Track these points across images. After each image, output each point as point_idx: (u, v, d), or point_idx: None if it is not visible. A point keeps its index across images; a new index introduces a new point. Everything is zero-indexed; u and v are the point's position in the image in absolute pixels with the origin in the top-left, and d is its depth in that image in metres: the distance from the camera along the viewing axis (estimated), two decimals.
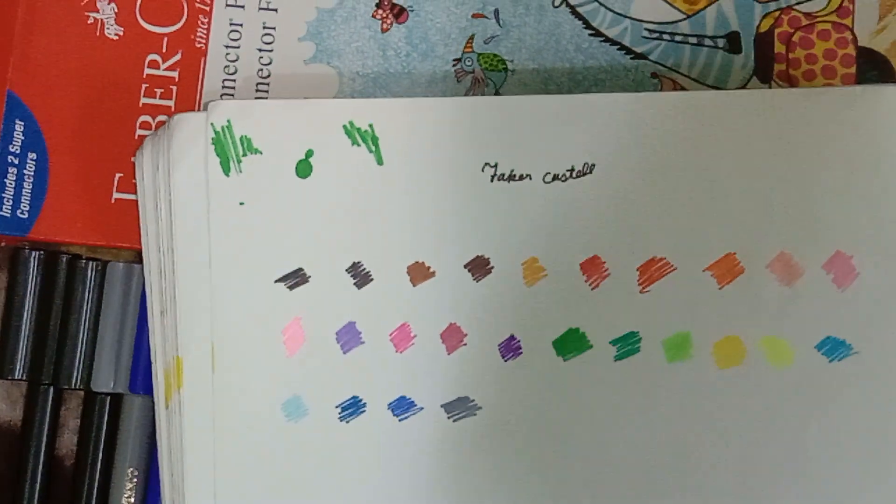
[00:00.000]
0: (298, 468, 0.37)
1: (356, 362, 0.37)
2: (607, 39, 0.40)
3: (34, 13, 0.40)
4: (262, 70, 0.41)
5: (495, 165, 0.37)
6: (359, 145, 0.38)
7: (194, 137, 0.37)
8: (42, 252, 0.39)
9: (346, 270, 0.37)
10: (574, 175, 0.37)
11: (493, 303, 0.37)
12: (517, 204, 0.37)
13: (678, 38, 0.40)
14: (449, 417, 0.37)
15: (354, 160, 0.37)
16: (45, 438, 0.39)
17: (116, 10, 0.40)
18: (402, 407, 0.37)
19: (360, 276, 0.37)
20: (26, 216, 0.39)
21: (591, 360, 0.36)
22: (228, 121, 0.38)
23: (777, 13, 0.40)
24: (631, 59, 0.40)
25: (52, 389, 0.39)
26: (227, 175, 0.37)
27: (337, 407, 0.37)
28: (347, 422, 0.37)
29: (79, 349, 0.39)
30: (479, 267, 0.37)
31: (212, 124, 0.38)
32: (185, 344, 0.37)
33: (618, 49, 0.40)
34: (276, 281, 0.37)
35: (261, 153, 0.38)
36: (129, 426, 0.39)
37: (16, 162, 0.39)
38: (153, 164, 0.37)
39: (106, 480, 0.39)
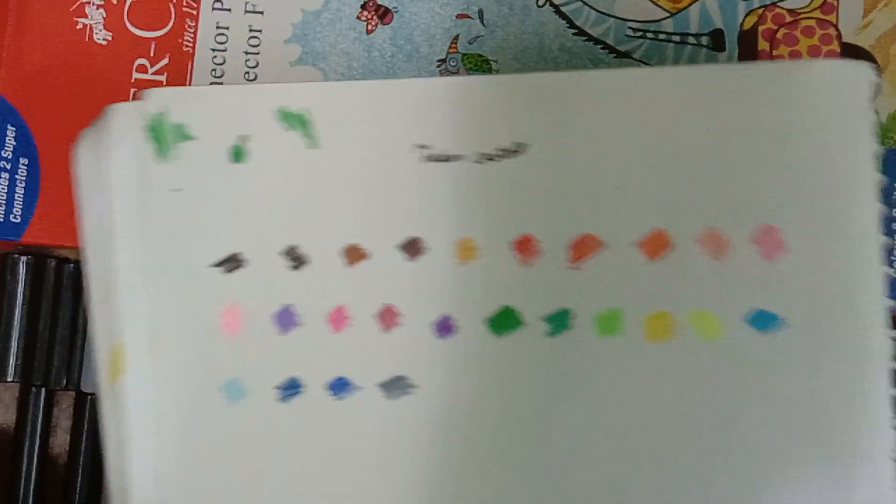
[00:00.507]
0: (239, 449, 0.37)
1: (294, 344, 0.37)
2: (591, 38, 0.40)
3: (24, 19, 0.40)
4: (248, 73, 0.41)
5: (427, 146, 0.37)
6: (292, 129, 0.38)
7: (129, 126, 0.38)
8: (31, 257, 0.39)
9: (282, 254, 0.38)
10: (505, 155, 0.37)
11: (427, 283, 0.37)
12: (449, 184, 0.37)
13: (662, 36, 0.40)
14: (386, 396, 0.37)
15: (288, 144, 0.38)
16: (38, 439, 0.39)
17: (105, 15, 0.40)
18: (339, 387, 0.37)
19: (295, 258, 0.38)
20: (18, 221, 0.39)
21: (524, 337, 0.37)
22: (162, 108, 0.38)
23: (761, 10, 0.40)
24: (615, 58, 0.40)
25: (43, 391, 0.39)
26: (162, 162, 0.38)
27: (275, 388, 0.37)
28: (286, 402, 0.37)
29: (68, 351, 0.39)
30: (412, 247, 0.37)
31: (146, 112, 0.38)
32: (125, 330, 0.37)
33: (601, 48, 0.40)
34: (212, 265, 0.38)
35: (196, 139, 0.38)
36: None
37: (7, 167, 0.39)
38: (90, 154, 0.38)
39: (98, 479, 0.39)
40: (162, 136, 0.38)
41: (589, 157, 0.37)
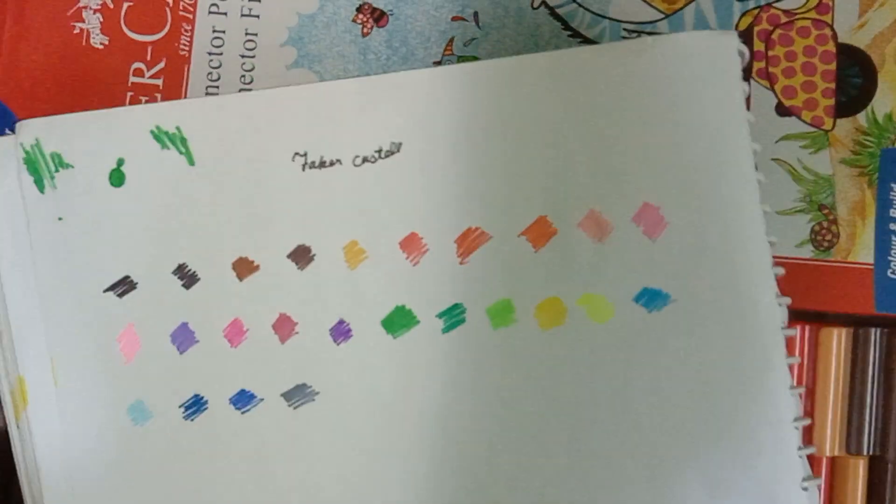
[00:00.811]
0: (150, 470, 0.38)
1: (193, 361, 0.37)
2: (586, 40, 0.40)
3: (21, 24, 0.40)
4: (244, 76, 0.41)
5: (305, 154, 0.37)
6: (168, 148, 0.38)
7: (4, 160, 0.37)
8: None
9: (173, 273, 0.38)
10: (382, 155, 0.37)
11: (319, 289, 0.37)
12: (331, 190, 0.37)
13: None
14: (289, 405, 0.37)
15: (166, 163, 0.38)
16: None
17: (102, 19, 0.40)
18: (242, 400, 0.37)
19: (186, 276, 0.38)
20: None
21: (420, 334, 0.37)
22: (37, 139, 0.38)
23: (756, 11, 0.40)
24: None
25: None
26: (42, 192, 0.38)
27: (180, 407, 0.37)
28: (192, 420, 0.37)
29: None
30: (301, 255, 0.37)
31: (21, 144, 0.38)
32: (25, 363, 0.37)
33: None
34: (104, 290, 0.38)
35: (72, 167, 0.38)
36: None
37: None
38: None
39: None
40: (39, 167, 0.38)
41: (465, 151, 0.37)
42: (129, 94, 0.40)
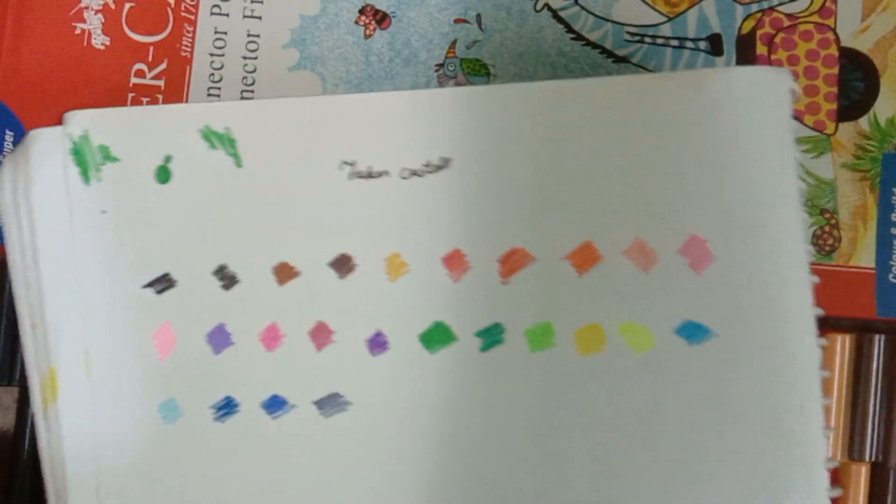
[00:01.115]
0: (177, 469, 0.37)
1: (228, 363, 0.37)
2: (589, 43, 0.40)
3: (22, 24, 0.40)
4: (246, 77, 0.41)
5: (353, 163, 0.37)
6: (216, 148, 0.37)
7: (51, 151, 0.37)
8: None
9: (213, 273, 0.37)
10: (431, 169, 0.37)
11: (358, 299, 0.37)
12: (377, 201, 0.37)
13: (660, 40, 0.40)
14: (321, 413, 0.37)
15: (213, 163, 0.37)
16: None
17: (103, 20, 0.40)
18: (274, 405, 0.37)
19: (226, 278, 0.37)
20: None
21: (457, 352, 0.37)
22: (85, 130, 0.38)
23: (759, 14, 0.40)
24: (612, 62, 0.40)
25: None
26: (87, 184, 0.38)
27: (211, 407, 0.37)
28: (222, 422, 0.37)
29: None
30: (342, 264, 0.37)
31: (69, 134, 0.37)
32: (58, 355, 0.37)
33: (599, 52, 0.40)
34: (143, 286, 0.38)
35: (119, 161, 0.38)
36: None
37: None
38: (12, 181, 0.37)
39: None
40: (86, 159, 0.38)
41: (514, 170, 0.36)
42: (131, 95, 0.40)
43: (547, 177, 0.36)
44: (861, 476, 0.39)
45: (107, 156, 0.37)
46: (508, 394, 0.37)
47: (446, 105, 0.37)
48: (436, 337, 0.37)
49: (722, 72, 0.35)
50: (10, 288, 0.39)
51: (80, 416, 0.37)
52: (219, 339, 0.37)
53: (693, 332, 0.36)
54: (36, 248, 0.37)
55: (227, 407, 0.37)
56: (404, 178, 0.37)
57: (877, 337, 0.39)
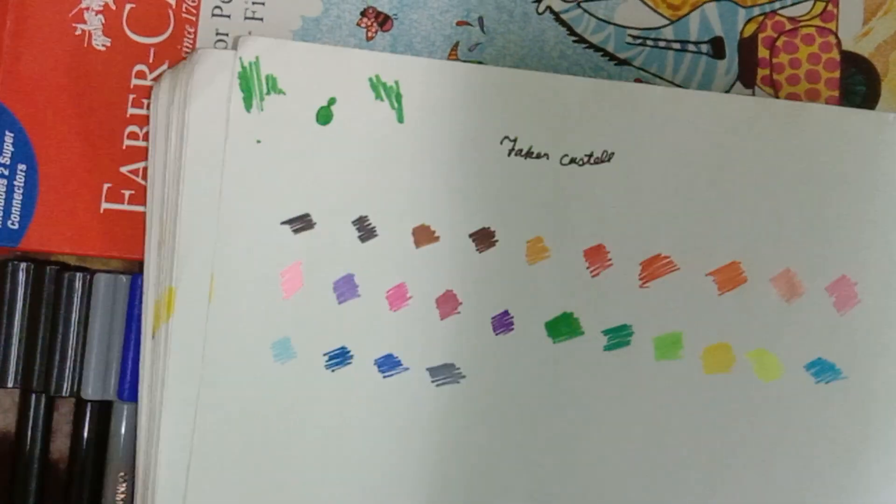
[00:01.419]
0: (279, 409, 0.37)
1: (349, 314, 0.37)
2: (591, 46, 0.40)
3: (22, 25, 0.40)
4: None
5: (515, 140, 0.37)
6: (382, 100, 0.37)
7: (216, 72, 0.37)
8: (30, 263, 0.39)
9: (353, 223, 0.37)
10: (592, 161, 0.37)
11: (492, 276, 0.37)
12: (531, 181, 0.37)
13: (662, 43, 0.40)
14: (432, 381, 0.37)
15: (375, 114, 0.37)
16: (38, 444, 0.39)
17: (104, 21, 0.40)
18: (388, 364, 0.37)
19: (365, 230, 0.37)
20: (17, 227, 0.39)
21: (580, 346, 0.36)
22: (257, 57, 0.38)
23: (761, 18, 0.40)
24: (615, 65, 0.40)
25: (43, 397, 0.39)
26: (248, 111, 0.37)
27: (325, 355, 0.37)
28: (333, 371, 0.37)
29: (69, 358, 0.39)
30: (483, 238, 0.37)
31: (240, 58, 0.37)
32: (181, 275, 0.37)
33: (601, 55, 0.40)
34: (282, 223, 0.37)
35: (284, 94, 0.38)
36: (118, 432, 0.39)
37: (6, 173, 0.39)
38: (169, 96, 0.37)
39: (98, 483, 0.39)
40: (252, 86, 0.38)
41: (676, 177, 0.36)
42: (132, 96, 0.40)
43: (707, 189, 0.36)
44: None
45: (273, 86, 0.37)
46: (624, 397, 0.36)
47: (619, 99, 0.36)
48: (563, 327, 0.37)
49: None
50: (7, 290, 0.38)
51: (193, 336, 0.37)
52: (345, 288, 0.37)
53: (823, 370, 0.35)
54: (181, 165, 0.37)
55: (340, 357, 0.37)
56: (563, 164, 0.37)
57: None
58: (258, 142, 0.38)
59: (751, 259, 0.36)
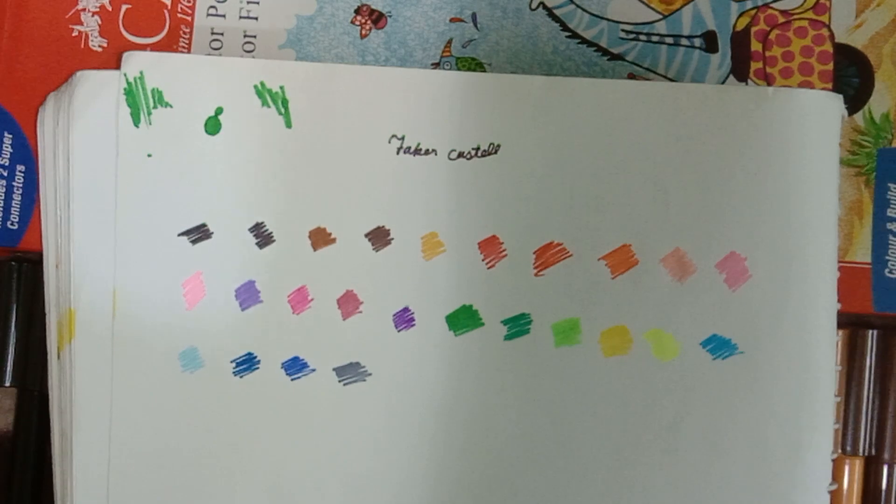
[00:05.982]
0: (191, 418, 0.38)
1: (253, 320, 0.38)
2: (584, 41, 0.40)
3: (20, 26, 0.40)
4: None
5: (402, 138, 0.37)
6: (269, 106, 0.38)
7: (98, 92, 0.38)
8: (27, 263, 0.40)
9: (249, 229, 0.38)
10: (479, 154, 0.37)
11: (390, 273, 0.37)
12: (421, 178, 0.37)
13: (655, 38, 0.40)
14: (339, 381, 0.37)
15: (263, 121, 0.37)
16: (34, 443, 0.40)
17: (100, 21, 0.40)
18: (295, 367, 0.38)
19: (262, 236, 0.38)
20: (16, 227, 0.39)
21: (481, 337, 0.37)
22: (141, 72, 0.38)
23: (753, 11, 0.40)
24: (608, 60, 0.40)
25: (40, 396, 0.40)
26: (136, 126, 0.38)
27: (232, 361, 0.38)
28: (241, 377, 0.38)
29: None
30: (379, 237, 0.37)
31: (125, 74, 0.38)
32: (79, 295, 0.37)
33: (594, 51, 0.40)
34: (179, 234, 0.38)
35: (171, 106, 0.38)
36: None
37: (5, 174, 0.39)
38: (53, 120, 0.38)
39: None
40: (138, 101, 0.38)
41: (562, 165, 0.36)
42: None
43: (594, 175, 0.36)
44: (855, 469, 0.39)
45: (159, 100, 0.38)
46: (527, 385, 0.37)
47: (502, 91, 0.37)
48: (463, 320, 0.37)
49: (784, 92, 0.35)
50: (6, 290, 0.39)
51: (98, 354, 0.37)
52: (247, 295, 0.38)
53: (719, 346, 0.36)
54: (70, 187, 0.37)
55: (247, 363, 0.38)
56: (451, 158, 0.37)
57: (870, 332, 0.39)
58: (149, 156, 0.38)
59: (641, 241, 0.36)
